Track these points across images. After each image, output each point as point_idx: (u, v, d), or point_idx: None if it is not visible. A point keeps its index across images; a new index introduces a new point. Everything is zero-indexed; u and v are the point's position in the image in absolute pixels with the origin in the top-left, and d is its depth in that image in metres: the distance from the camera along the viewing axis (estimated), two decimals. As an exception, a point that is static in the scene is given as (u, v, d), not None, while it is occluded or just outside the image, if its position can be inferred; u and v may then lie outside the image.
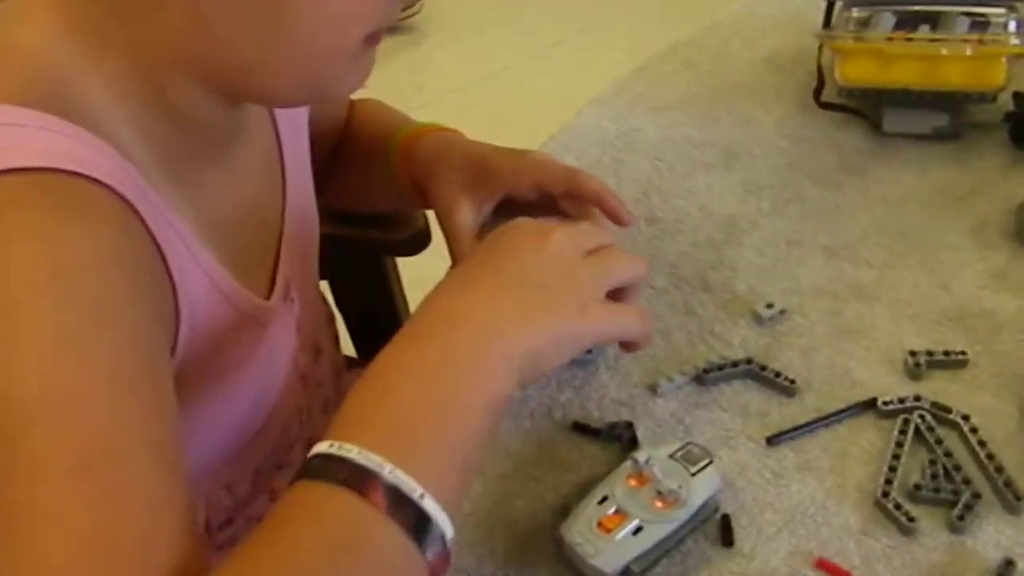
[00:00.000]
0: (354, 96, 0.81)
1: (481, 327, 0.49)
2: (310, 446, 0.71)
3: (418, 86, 2.16)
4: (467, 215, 0.66)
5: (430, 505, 0.43)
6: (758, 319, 0.67)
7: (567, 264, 0.52)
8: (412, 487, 0.43)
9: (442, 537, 0.43)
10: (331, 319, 0.77)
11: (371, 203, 0.79)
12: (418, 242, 0.85)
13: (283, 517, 0.43)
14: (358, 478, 0.42)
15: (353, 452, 0.43)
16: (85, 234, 0.44)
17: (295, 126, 0.66)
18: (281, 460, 0.67)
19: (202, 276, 0.53)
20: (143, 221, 0.48)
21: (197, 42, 0.49)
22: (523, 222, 0.55)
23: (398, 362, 0.48)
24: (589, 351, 0.65)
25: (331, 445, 0.43)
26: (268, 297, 0.61)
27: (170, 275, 0.50)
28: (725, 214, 0.77)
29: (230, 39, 0.49)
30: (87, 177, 0.45)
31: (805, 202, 0.77)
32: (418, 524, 0.42)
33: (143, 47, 0.49)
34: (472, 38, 2.33)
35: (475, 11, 2.40)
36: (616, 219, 0.63)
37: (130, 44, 0.49)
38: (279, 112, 0.64)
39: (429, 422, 0.46)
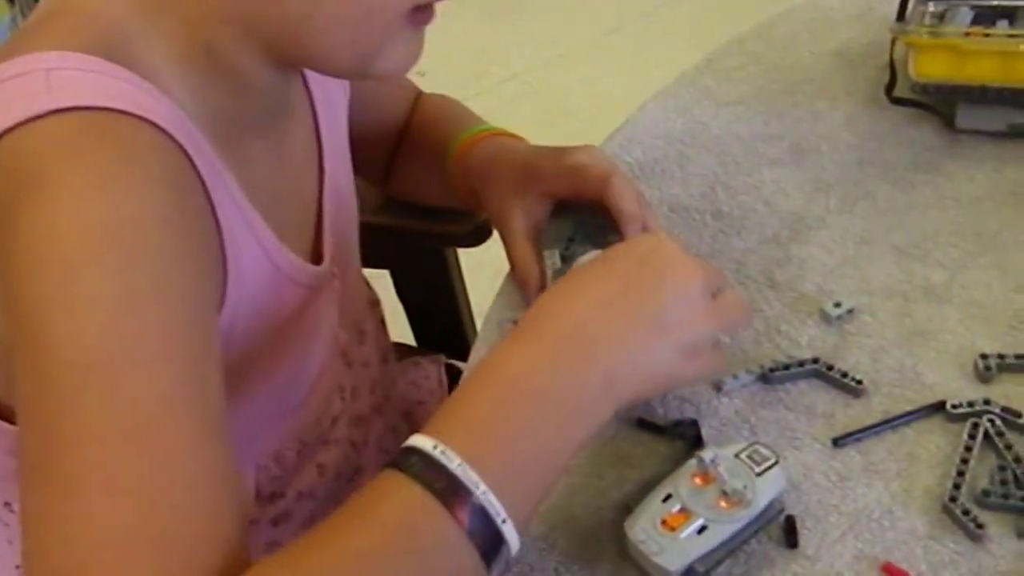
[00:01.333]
0: (420, 86, 0.82)
1: (611, 368, 0.49)
2: (354, 423, 0.72)
3: (478, 73, 2.16)
4: (519, 220, 0.67)
5: (508, 530, 0.44)
6: (826, 318, 0.67)
7: (699, 312, 0.53)
8: (497, 511, 0.44)
9: (508, 557, 0.45)
10: (375, 303, 0.78)
11: (431, 199, 0.80)
12: (479, 234, 0.86)
13: (370, 505, 0.44)
14: (451, 492, 0.43)
15: (454, 463, 0.44)
16: (145, 191, 0.45)
17: (333, 111, 0.67)
18: (325, 435, 0.68)
19: (250, 235, 0.54)
20: (198, 173, 0.49)
21: (270, 11, 0.51)
22: (671, 248, 0.54)
23: (520, 377, 0.48)
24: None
25: (435, 447, 0.44)
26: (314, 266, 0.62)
27: (220, 232, 0.51)
28: (792, 211, 0.76)
29: (303, 14, 0.50)
30: (147, 121, 0.46)
31: (875, 200, 0.76)
32: (492, 545, 0.44)
33: (195, 5, 0.51)
34: (530, 24, 2.33)
35: (535, -2, 2.40)
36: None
37: (187, 8, 0.51)
38: (317, 96, 0.65)
39: (531, 449, 0.47)
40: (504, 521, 0.44)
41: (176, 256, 0.45)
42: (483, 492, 0.43)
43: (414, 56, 0.55)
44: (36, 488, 0.41)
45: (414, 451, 0.44)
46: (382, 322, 0.79)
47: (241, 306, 0.54)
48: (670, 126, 0.84)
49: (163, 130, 0.47)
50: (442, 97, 0.81)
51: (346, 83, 0.69)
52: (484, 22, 2.29)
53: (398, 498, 0.43)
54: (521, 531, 0.45)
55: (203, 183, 0.50)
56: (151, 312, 0.43)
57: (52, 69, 0.46)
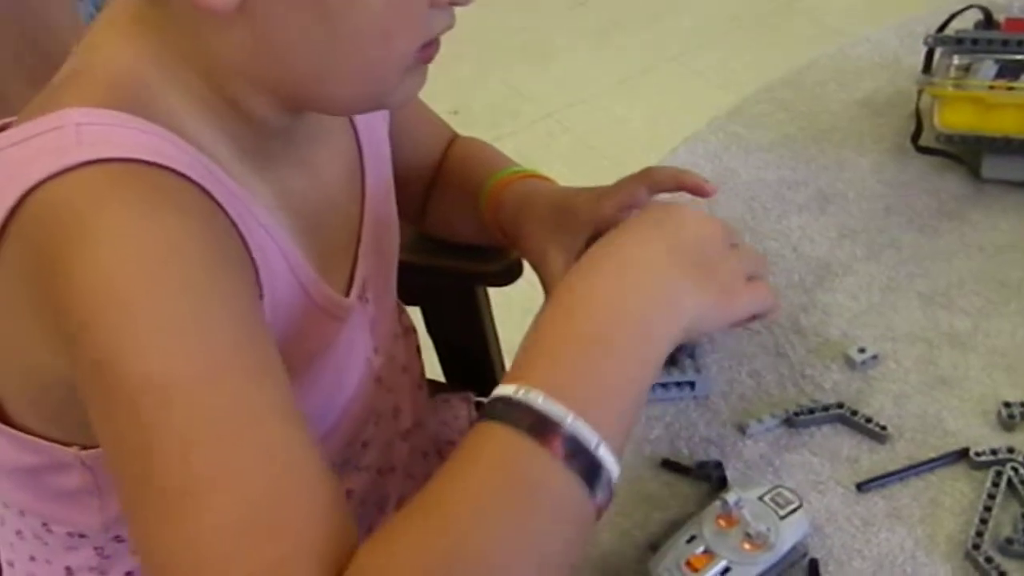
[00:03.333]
0: (453, 124, 0.84)
1: (663, 279, 0.53)
2: (384, 449, 0.74)
3: (510, 112, 2.20)
4: (558, 260, 0.69)
5: (603, 453, 0.46)
6: (850, 363, 0.68)
7: (724, 249, 0.57)
8: (589, 436, 0.46)
9: (609, 481, 0.46)
10: (410, 331, 0.80)
11: (464, 237, 0.82)
12: (510, 273, 0.88)
13: (466, 459, 0.45)
14: (541, 426, 0.45)
15: (538, 400, 0.46)
16: (177, 221, 0.47)
17: (375, 139, 0.69)
18: (355, 460, 0.69)
19: (282, 262, 0.56)
20: (224, 210, 0.51)
21: (259, 57, 0.53)
22: (680, 204, 0.59)
23: (584, 299, 0.51)
24: (690, 385, 0.67)
25: (516, 390, 0.46)
26: (345, 295, 0.64)
27: (252, 259, 0.53)
28: (818, 257, 0.77)
29: (288, 54, 0.53)
30: (169, 169, 0.49)
31: (901, 247, 0.77)
32: (591, 470, 0.45)
33: (214, 62, 0.53)
34: (563, 64, 2.36)
35: (566, 36, 2.43)
36: (700, 192, 0.68)
37: (203, 60, 0.53)
38: (359, 121, 0.67)
39: (611, 374, 0.49)
40: (598, 445, 0.45)
41: (223, 272, 0.48)
42: (571, 421, 0.45)
43: (420, 84, 0.58)
44: (145, 510, 0.43)
45: (499, 400, 0.46)
46: (417, 349, 0.81)
47: (274, 330, 0.56)
48: (699, 171, 0.85)
49: (187, 177, 0.49)
50: (475, 140, 0.83)
51: (385, 112, 0.72)
52: (517, 62, 2.33)
53: (494, 444, 0.45)
54: (619, 452, 0.47)
55: (232, 221, 0.52)
56: (213, 327, 0.45)
57: (82, 124, 0.48)
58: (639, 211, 0.63)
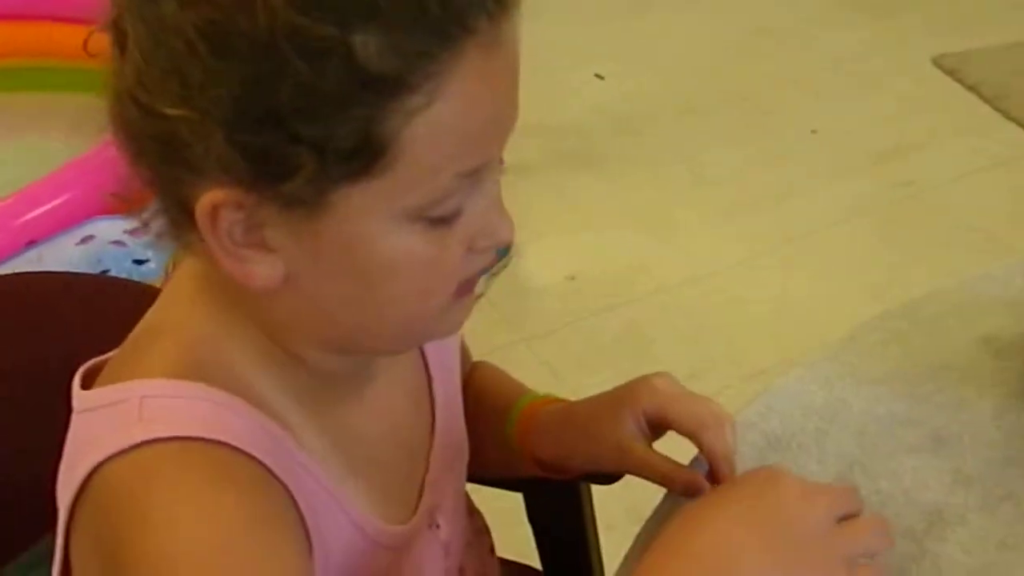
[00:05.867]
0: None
1: (751, 569, 0.52)
2: None
3: (627, 282, 2.24)
4: (638, 438, 0.69)
5: None
6: (959, 629, 0.65)
7: (828, 530, 0.56)
8: None
9: None
10: (482, 533, 0.80)
11: (483, 466, 0.80)
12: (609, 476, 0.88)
13: None
14: None
15: None
16: (232, 500, 0.51)
17: (444, 358, 0.71)
18: None
19: (339, 512, 0.59)
20: (278, 477, 0.54)
21: (307, 318, 0.57)
22: (787, 473, 0.58)
23: None
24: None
25: None
26: (409, 520, 0.65)
27: (302, 515, 0.56)
28: (930, 503, 0.75)
29: (336, 316, 0.56)
30: (227, 445, 0.52)
31: (1020, 502, 0.75)
32: None
33: (269, 323, 0.57)
34: (682, 240, 2.40)
35: (688, 212, 2.48)
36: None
37: (258, 321, 0.57)
38: (429, 348, 0.70)
39: None
40: None
41: (274, 546, 0.51)
42: None
43: (468, 313, 0.60)
44: None
45: None
46: (491, 550, 0.81)
47: (330, 572, 0.58)
48: (810, 399, 0.86)
49: (241, 450, 0.53)
50: (490, 365, 0.84)
51: None
52: (637, 233, 2.38)
53: None
54: None
55: (283, 483, 0.55)
56: None
57: (146, 397, 0.53)
58: (741, 475, 0.61)
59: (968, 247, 2.21)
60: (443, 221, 0.53)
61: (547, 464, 0.75)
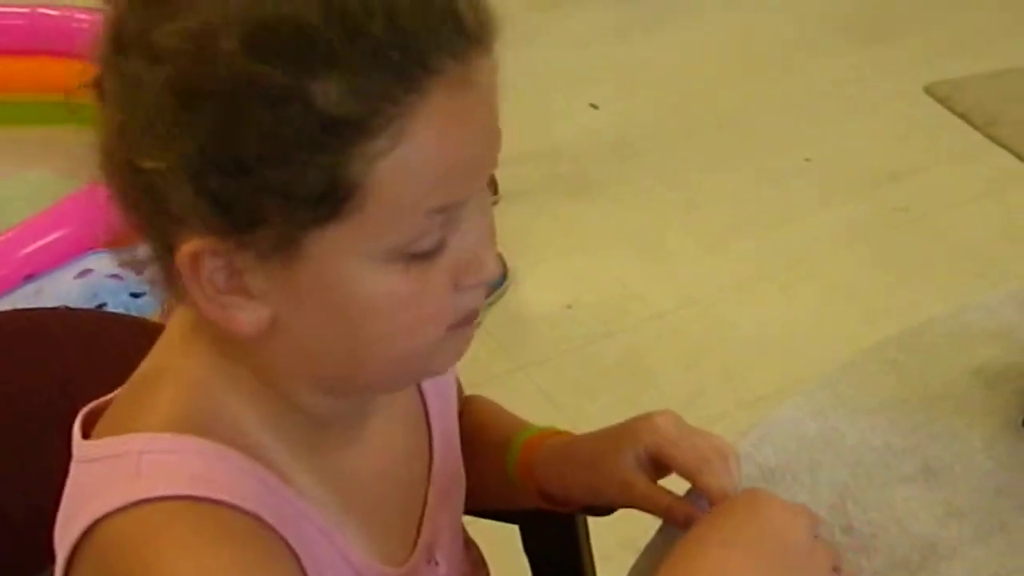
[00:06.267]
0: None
1: None
2: None
3: (621, 310, 2.24)
4: (639, 479, 0.70)
5: None
6: (953, 661, 0.66)
7: (812, 546, 0.59)
8: None
9: None
10: (479, 566, 0.80)
11: (482, 500, 0.80)
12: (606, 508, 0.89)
13: None
14: None
15: None
16: (228, 555, 0.51)
17: (440, 388, 0.71)
18: None
19: (337, 558, 0.59)
20: (275, 528, 0.55)
21: (298, 361, 0.57)
22: (766, 492, 0.61)
23: None
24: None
25: None
26: (408, 558, 0.65)
27: (299, 560, 0.56)
28: (923, 535, 0.76)
29: (324, 357, 0.56)
30: (224, 504, 0.52)
31: (1012, 533, 0.75)
32: None
33: (260, 367, 0.57)
34: (675, 265, 2.41)
35: (680, 238, 2.49)
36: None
37: (250, 366, 0.57)
38: (426, 385, 0.70)
39: None
40: None
41: None
42: None
43: (463, 349, 0.60)
44: None
45: None
46: None
47: None
48: (804, 429, 0.87)
49: (237, 505, 0.53)
50: (484, 401, 0.84)
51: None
52: (630, 259, 2.39)
53: None
54: None
55: (281, 535, 0.55)
56: None
57: (144, 453, 0.54)
58: (724, 506, 0.63)
59: (963, 272, 2.22)
60: (423, 256, 0.53)
61: (550, 497, 0.75)
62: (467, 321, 0.58)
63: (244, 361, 0.58)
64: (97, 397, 0.61)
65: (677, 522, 0.70)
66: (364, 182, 0.50)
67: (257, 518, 0.54)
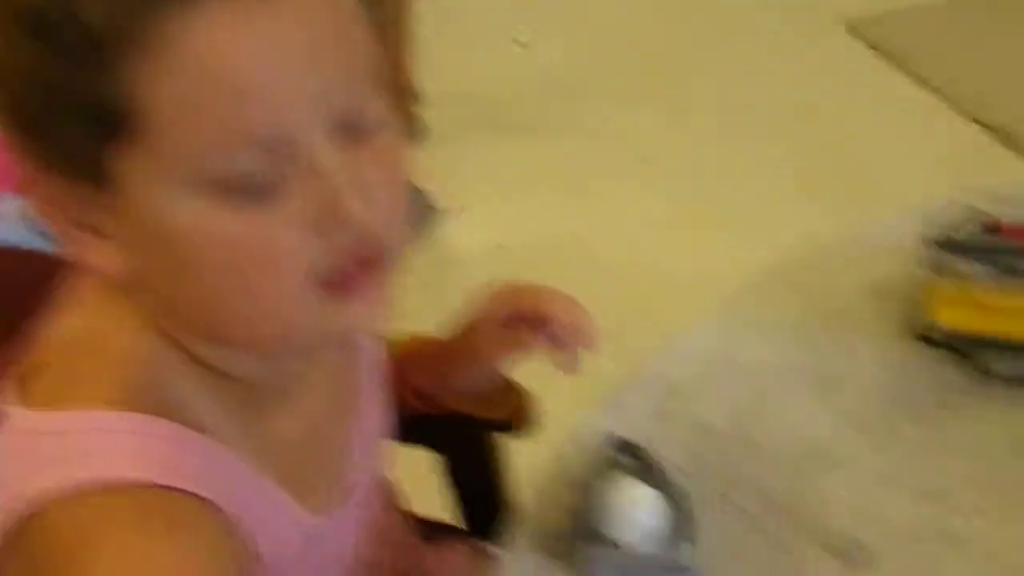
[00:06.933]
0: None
1: None
2: None
3: (551, 250, 2.26)
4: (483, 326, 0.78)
5: None
6: (847, 558, 0.69)
7: None
8: None
9: None
10: (391, 493, 0.83)
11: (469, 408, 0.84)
12: (518, 423, 0.90)
13: None
14: None
15: None
16: (166, 547, 0.51)
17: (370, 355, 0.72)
18: None
19: (274, 512, 0.60)
20: (216, 501, 0.54)
21: (166, 309, 0.55)
22: None
23: None
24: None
25: None
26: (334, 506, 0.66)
27: (249, 531, 0.57)
28: (819, 444, 0.79)
29: (180, 304, 0.53)
30: (175, 489, 0.52)
31: (902, 439, 0.78)
32: None
33: (159, 320, 0.56)
34: (606, 204, 2.43)
35: (612, 179, 2.50)
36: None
37: (155, 322, 0.56)
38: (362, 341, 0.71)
39: None
40: None
41: None
42: None
43: (363, 324, 0.55)
44: None
45: None
46: (398, 508, 0.85)
47: (269, 558, 0.59)
48: (708, 347, 0.89)
49: (180, 489, 0.52)
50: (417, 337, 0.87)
51: None
52: (559, 200, 2.40)
53: None
54: None
55: (229, 515, 0.55)
56: None
57: (91, 431, 0.52)
58: None
59: (883, 202, 2.27)
60: (257, 195, 0.49)
61: (421, 392, 0.81)
62: (345, 281, 0.52)
63: (148, 317, 0.56)
64: None
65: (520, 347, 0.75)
66: (140, 98, 0.47)
67: (202, 499, 0.54)
